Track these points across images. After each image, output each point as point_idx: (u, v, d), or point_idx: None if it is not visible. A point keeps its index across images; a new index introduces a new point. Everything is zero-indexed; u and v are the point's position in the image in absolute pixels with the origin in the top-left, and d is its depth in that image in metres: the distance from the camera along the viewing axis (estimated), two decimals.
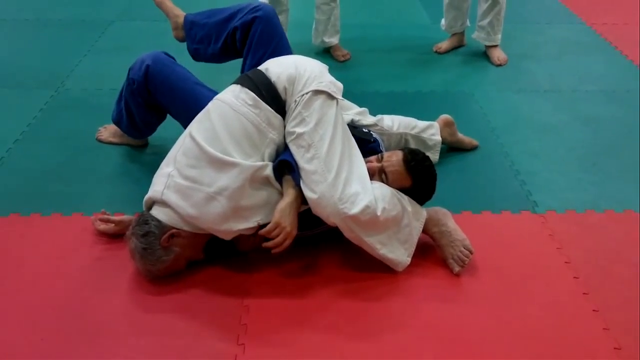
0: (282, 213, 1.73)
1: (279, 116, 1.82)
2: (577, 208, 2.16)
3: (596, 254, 1.96)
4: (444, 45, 3.34)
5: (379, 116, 2.30)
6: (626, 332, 1.67)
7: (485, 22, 3.17)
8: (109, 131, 2.46)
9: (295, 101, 1.81)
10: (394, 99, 2.85)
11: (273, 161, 1.80)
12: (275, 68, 1.89)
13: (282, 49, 2.14)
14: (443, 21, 3.33)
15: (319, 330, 1.67)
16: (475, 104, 2.84)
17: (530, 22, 3.25)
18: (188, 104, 2.08)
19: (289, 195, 1.75)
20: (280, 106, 1.84)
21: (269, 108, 1.81)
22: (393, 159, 1.89)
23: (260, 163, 1.77)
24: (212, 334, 1.65)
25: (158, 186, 1.80)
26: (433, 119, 2.44)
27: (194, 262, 1.84)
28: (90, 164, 2.33)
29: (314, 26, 3.20)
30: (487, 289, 1.81)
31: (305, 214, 1.81)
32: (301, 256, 1.90)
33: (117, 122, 2.37)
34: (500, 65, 3.20)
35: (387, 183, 1.87)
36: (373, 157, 1.92)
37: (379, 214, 1.75)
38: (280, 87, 1.84)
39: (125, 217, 1.96)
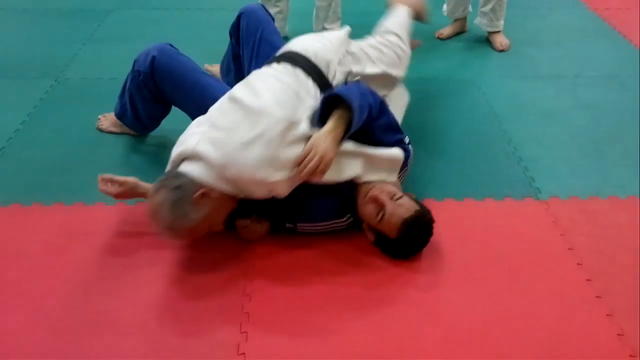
0: (318, 138, 1.71)
1: (316, 87, 1.90)
2: (580, 194, 2.15)
3: (599, 240, 1.95)
4: (446, 31, 3.32)
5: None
6: (629, 318, 1.67)
7: (487, 8, 3.14)
8: (109, 120, 2.45)
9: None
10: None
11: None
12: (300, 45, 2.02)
13: (269, 33, 2.20)
14: (445, 6, 3.30)
15: (321, 318, 1.67)
16: (477, 91, 2.82)
17: (532, 7, 3.22)
18: (195, 93, 2.09)
19: (330, 124, 1.74)
20: (317, 74, 1.94)
21: (308, 78, 1.90)
22: (399, 211, 1.77)
23: (298, 118, 1.76)
24: (215, 322, 1.65)
25: (190, 141, 1.76)
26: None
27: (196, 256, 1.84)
28: (91, 153, 2.32)
29: (314, 13, 3.17)
30: (490, 276, 1.81)
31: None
32: (303, 247, 1.90)
33: (120, 117, 2.36)
34: (502, 50, 3.18)
35: (377, 219, 1.78)
36: (387, 194, 1.81)
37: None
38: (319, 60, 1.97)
39: (130, 179, 1.91)
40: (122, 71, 2.37)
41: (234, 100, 1.81)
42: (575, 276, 1.82)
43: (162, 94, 2.18)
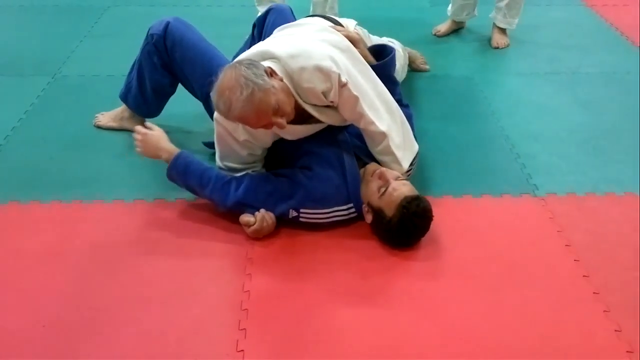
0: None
1: None
2: (577, 191, 2.16)
3: (597, 237, 1.96)
4: (443, 28, 3.31)
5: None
6: (627, 315, 1.67)
7: (502, 3, 3.12)
8: (107, 117, 2.44)
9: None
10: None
11: None
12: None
13: None
14: (450, 7, 3.27)
15: (320, 314, 1.67)
16: (475, 87, 2.82)
17: (530, 3, 3.22)
18: (204, 61, 2.14)
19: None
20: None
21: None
22: (402, 189, 1.84)
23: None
24: (213, 319, 1.65)
25: (254, 48, 1.93)
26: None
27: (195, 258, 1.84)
28: (90, 150, 2.32)
29: (311, 9, 3.17)
30: (488, 272, 1.82)
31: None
32: (302, 242, 1.91)
33: (124, 96, 2.35)
34: (497, 48, 3.18)
35: (379, 194, 1.84)
36: (392, 175, 1.89)
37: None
38: None
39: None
40: (120, 68, 2.38)
41: (286, 27, 2.04)
42: (572, 272, 1.82)
43: (171, 60, 2.20)
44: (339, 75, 1.79)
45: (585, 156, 2.36)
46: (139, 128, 2.03)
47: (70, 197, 2.07)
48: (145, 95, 2.30)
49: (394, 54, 2.14)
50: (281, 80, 1.79)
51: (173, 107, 2.37)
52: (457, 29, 3.34)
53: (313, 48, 1.85)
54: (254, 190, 1.91)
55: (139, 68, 2.26)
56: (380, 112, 1.92)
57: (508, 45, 3.21)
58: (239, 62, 1.79)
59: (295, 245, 1.89)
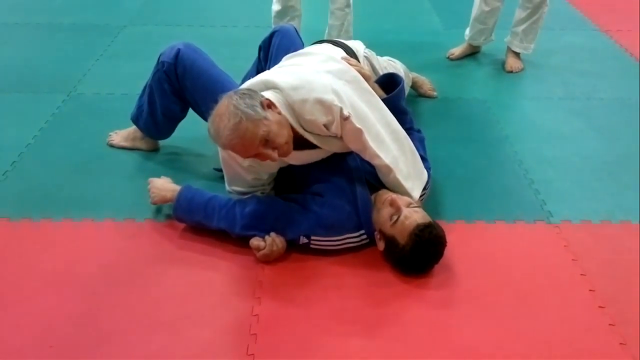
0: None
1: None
2: (592, 218, 2.13)
3: (612, 266, 1.92)
4: (457, 51, 3.31)
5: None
6: None
7: (519, 28, 3.11)
8: (120, 136, 2.45)
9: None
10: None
11: None
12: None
13: None
14: (467, 31, 3.27)
15: (329, 340, 1.65)
16: (488, 111, 2.81)
17: (544, 28, 3.22)
18: (214, 88, 2.11)
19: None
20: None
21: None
22: (414, 216, 1.82)
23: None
24: (222, 344, 1.64)
25: (258, 77, 1.95)
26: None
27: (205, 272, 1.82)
28: (102, 169, 2.33)
29: (326, 31, 3.18)
30: (501, 301, 1.79)
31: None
32: (312, 266, 1.89)
33: (135, 119, 2.36)
34: (510, 72, 3.17)
35: (391, 222, 1.82)
36: (404, 202, 1.87)
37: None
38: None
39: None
40: (134, 87, 2.39)
41: (294, 55, 2.05)
42: (587, 303, 1.79)
43: (182, 87, 2.20)
44: (341, 109, 1.78)
45: (600, 183, 2.33)
46: (149, 180, 2.08)
47: (81, 216, 2.07)
48: (156, 120, 2.30)
49: (403, 85, 2.13)
50: (279, 112, 1.78)
51: (184, 131, 2.37)
52: (472, 52, 3.34)
53: (316, 80, 1.84)
54: (261, 214, 1.90)
55: (150, 93, 2.26)
56: (386, 143, 1.89)
57: (522, 70, 3.20)
58: (236, 91, 1.80)
59: (305, 270, 1.88)
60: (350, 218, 1.89)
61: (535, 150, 2.52)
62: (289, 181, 2.06)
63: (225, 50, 3.11)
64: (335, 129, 1.81)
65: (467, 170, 2.38)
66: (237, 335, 1.66)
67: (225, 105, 1.74)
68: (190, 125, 2.34)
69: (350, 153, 2.00)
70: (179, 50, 2.17)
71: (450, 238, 1.87)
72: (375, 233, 1.89)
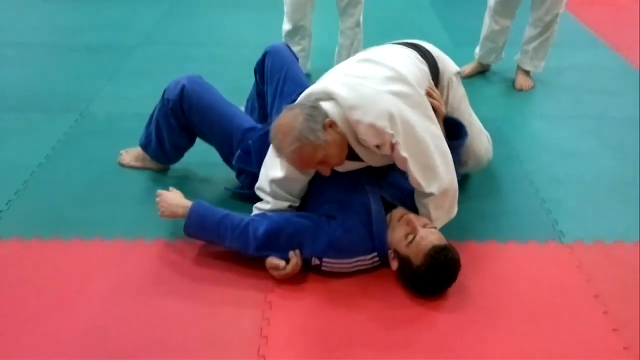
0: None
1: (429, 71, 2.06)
2: (605, 239, 2.10)
3: (626, 288, 1.89)
4: (468, 69, 3.31)
5: None
6: None
7: (530, 46, 3.12)
8: (131, 155, 2.47)
9: None
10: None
11: None
12: None
13: (294, 71, 2.23)
14: (477, 49, 3.28)
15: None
16: (499, 130, 2.80)
17: (554, 46, 3.22)
18: (222, 123, 2.14)
19: None
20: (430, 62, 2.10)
21: (423, 63, 2.06)
22: (430, 237, 1.81)
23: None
24: (232, 348, 1.63)
25: (323, 83, 1.90)
26: None
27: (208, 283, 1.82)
28: (113, 188, 2.34)
29: (336, 51, 3.20)
30: (513, 323, 1.76)
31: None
32: (322, 288, 1.88)
33: (144, 146, 2.38)
34: (521, 90, 3.17)
35: (407, 241, 1.81)
36: (420, 221, 1.86)
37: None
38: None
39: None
40: (146, 107, 2.40)
41: (366, 60, 1.98)
42: (601, 325, 1.76)
43: (188, 123, 2.20)
44: (392, 136, 1.78)
45: (613, 202, 2.30)
46: (159, 192, 2.03)
47: (92, 235, 2.07)
48: (165, 150, 2.32)
49: (465, 141, 2.07)
50: (338, 132, 1.80)
51: (194, 154, 2.38)
52: (482, 70, 3.34)
53: (374, 103, 1.80)
54: (275, 235, 1.88)
55: (157, 127, 2.27)
56: (430, 174, 1.85)
57: (532, 88, 3.19)
58: (302, 106, 1.82)
59: (315, 291, 1.86)
60: (363, 241, 1.88)
61: (546, 169, 2.50)
62: (303, 200, 2.05)
63: (236, 70, 3.13)
64: (385, 150, 1.83)
65: (478, 188, 2.37)
66: (246, 357, 1.64)
67: (289, 123, 1.77)
68: (201, 147, 2.35)
69: (367, 174, 2.00)
70: (183, 86, 2.16)
71: (461, 258, 1.84)
72: (389, 252, 1.87)
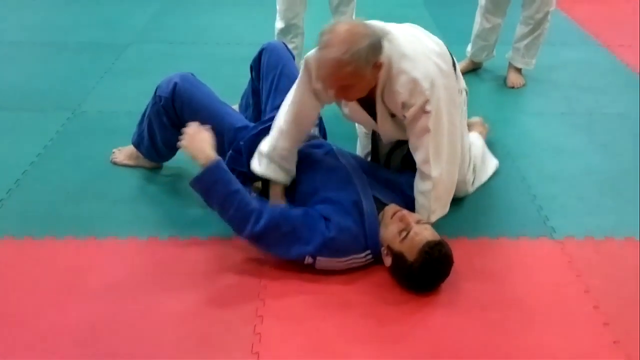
0: None
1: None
2: (595, 234, 2.12)
3: (617, 283, 1.91)
4: (460, 66, 3.31)
5: None
6: None
7: (521, 44, 3.13)
8: (123, 154, 2.47)
9: None
10: None
11: None
12: None
13: (290, 68, 2.24)
14: (469, 47, 3.29)
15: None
16: (490, 127, 2.80)
17: (546, 43, 3.24)
18: (214, 121, 2.11)
19: None
20: None
21: None
22: (424, 233, 1.81)
23: None
24: (225, 347, 1.63)
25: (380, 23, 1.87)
26: None
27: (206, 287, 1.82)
28: (105, 187, 2.34)
29: None
30: (504, 318, 1.78)
31: None
32: (316, 283, 1.89)
33: (137, 145, 2.38)
34: (512, 87, 3.19)
35: (400, 237, 1.82)
36: (414, 218, 1.87)
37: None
38: None
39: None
40: (138, 105, 2.40)
41: (414, 27, 1.98)
42: (592, 320, 1.78)
43: (180, 121, 2.19)
44: (427, 102, 1.77)
45: (604, 198, 2.32)
46: (193, 124, 1.93)
47: (85, 234, 2.07)
48: (157, 148, 2.32)
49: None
50: (377, 76, 1.78)
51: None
52: (474, 68, 3.36)
53: (425, 62, 1.80)
54: (273, 229, 1.86)
55: (149, 124, 2.26)
56: (441, 158, 1.87)
57: (524, 85, 3.21)
58: (374, 32, 1.74)
59: (309, 288, 1.87)
60: (356, 239, 1.88)
61: (538, 166, 2.52)
62: (295, 193, 2.05)
63: (229, 68, 3.14)
64: (409, 113, 1.81)
65: None
66: (238, 353, 1.65)
67: (354, 37, 1.70)
68: None
69: (360, 172, 2.01)
70: (175, 84, 2.15)
71: (454, 254, 1.85)
72: (383, 249, 1.88)
